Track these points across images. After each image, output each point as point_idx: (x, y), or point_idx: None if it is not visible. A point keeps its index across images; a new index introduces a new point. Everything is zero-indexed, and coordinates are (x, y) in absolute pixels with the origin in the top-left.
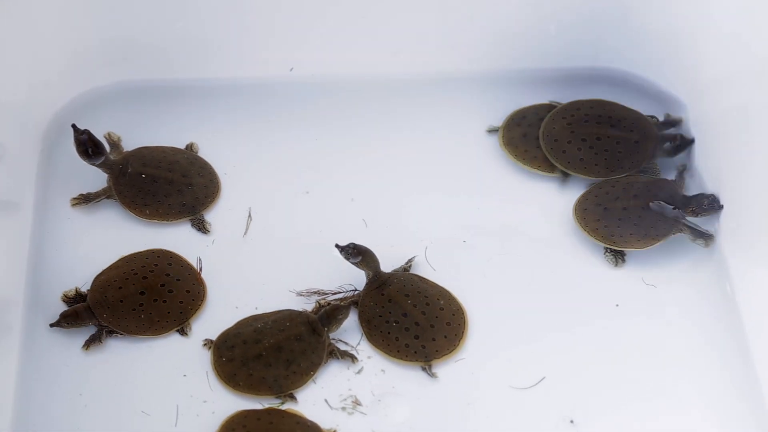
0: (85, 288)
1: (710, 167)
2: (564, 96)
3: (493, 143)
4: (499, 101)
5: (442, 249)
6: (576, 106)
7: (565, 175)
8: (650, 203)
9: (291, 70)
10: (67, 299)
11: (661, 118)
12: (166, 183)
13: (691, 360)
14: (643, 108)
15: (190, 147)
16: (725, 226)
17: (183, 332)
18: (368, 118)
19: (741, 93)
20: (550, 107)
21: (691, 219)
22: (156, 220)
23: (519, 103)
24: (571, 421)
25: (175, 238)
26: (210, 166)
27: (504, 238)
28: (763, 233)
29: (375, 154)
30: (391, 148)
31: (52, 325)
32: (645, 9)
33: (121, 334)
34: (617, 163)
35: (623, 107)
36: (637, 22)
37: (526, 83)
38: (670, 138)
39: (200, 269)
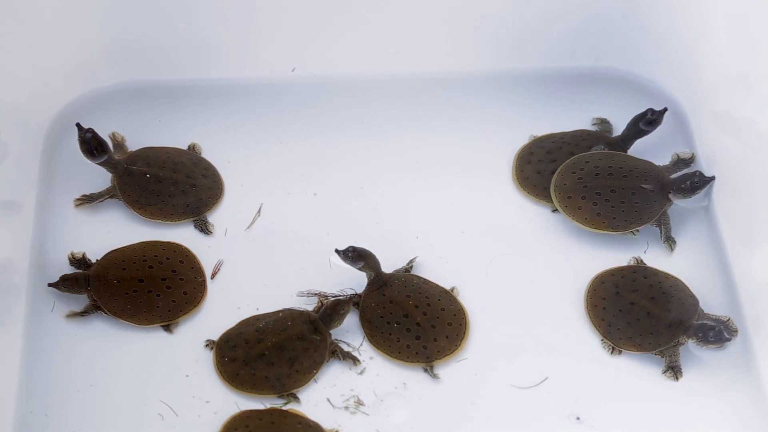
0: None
1: (712, 171)
2: (565, 96)
3: (495, 143)
4: (500, 101)
5: (444, 249)
6: (585, 159)
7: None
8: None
9: (293, 70)
10: (73, 260)
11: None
12: (171, 183)
13: (697, 357)
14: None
15: (192, 148)
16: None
17: (168, 329)
18: (370, 119)
19: (741, 93)
20: (552, 137)
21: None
22: (159, 220)
23: (520, 102)
24: (578, 418)
25: (178, 238)
26: (214, 167)
27: (505, 239)
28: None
29: (377, 155)
30: (393, 149)
31: (50, 285)
32: (647, 9)
33: (106, 313)
34: (636, 214)
35: (633, 158)
36: (638, 22)
37: (527, 83)
38: (689, 177)
39: (217, 271)
